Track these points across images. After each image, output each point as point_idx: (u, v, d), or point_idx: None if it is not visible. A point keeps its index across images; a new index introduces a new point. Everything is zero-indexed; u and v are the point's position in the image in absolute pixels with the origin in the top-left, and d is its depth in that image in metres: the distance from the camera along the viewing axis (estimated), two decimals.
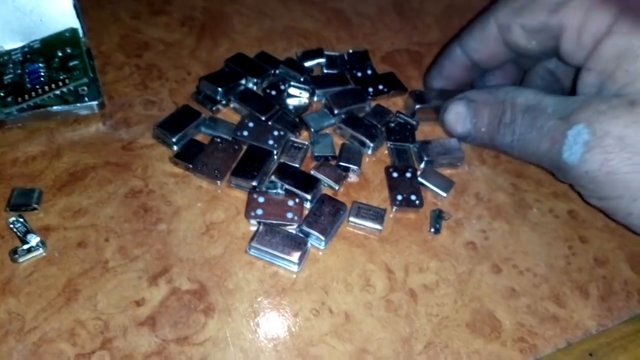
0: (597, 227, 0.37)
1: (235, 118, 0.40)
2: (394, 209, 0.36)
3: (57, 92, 0.37)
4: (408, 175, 0.37)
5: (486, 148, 0.40)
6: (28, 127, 0.37)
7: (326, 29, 0.50)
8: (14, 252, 0.31)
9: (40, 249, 0.31)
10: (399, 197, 0.36)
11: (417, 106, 0.41)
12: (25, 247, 0.31)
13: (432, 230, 0.35)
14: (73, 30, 0.40)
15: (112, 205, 0.34)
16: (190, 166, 0.36)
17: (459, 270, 0.34)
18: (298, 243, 0.33)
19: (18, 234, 0.31)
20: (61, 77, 0.37)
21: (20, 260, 0.31)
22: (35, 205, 0.33)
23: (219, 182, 0.36)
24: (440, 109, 0.40)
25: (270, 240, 0.33)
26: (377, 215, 0.35)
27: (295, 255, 0.32)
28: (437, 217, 0.36)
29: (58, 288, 0.30)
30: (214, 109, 0.40)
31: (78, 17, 0.41)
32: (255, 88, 0.42)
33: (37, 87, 0.37)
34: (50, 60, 0.38)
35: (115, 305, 0.30)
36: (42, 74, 0.38)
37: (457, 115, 0.38)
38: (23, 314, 0.29)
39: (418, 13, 0.53)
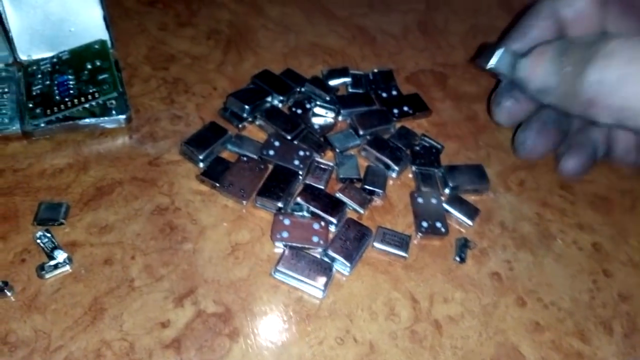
0: (621, 260, 0.37)
1: (260, 135, 0.40)
2: (419, 236, 0.36)
3: (86, 105, 0.37)
4: (433, 201, 0.37)
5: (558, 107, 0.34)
6: (55, 139, 0.37)
7: (351, 47, 0.49)
8: (41, 268, 0.30)
9: (67, 265, 0.31)
10: (425, 224, 0.36)
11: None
12: (52, 263, 0.31)
13: (457, 259, 0.35)
14: (102, 42, 0.40)
15: (138, 222, 0.34)
16: (217, 185, 0.36)
17: (484, 302, 0.33)
18: (324, 268, 0.33)
19: (45, 249, 0.31)
20: (90, 91, 0.37)
21: (47, 276, 0.31)
22: (63, 220, 0.33)
23: (244, 201, 0.36)
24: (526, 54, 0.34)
25: (295, 264, 0.33)
26: (402, 241, 0.35)
27: (321, 281, 0.32)
28: (463, 245, 0.36)
29: (84, 306, 0.30)
30: (240, 126, 0.40)
31: (107, 28, 0.41)
32: (281, 106, 0.42)
33: (67, 99, 0.37)
34: (80, 73, 0.38)
35: (141, 326, 0.30)
36: (72, 86, 0.38)
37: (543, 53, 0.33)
38: (49, 332, 0.29)
39: (442, 32, 0.53)
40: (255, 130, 0.41)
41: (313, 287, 0.32)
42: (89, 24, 0.41)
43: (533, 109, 0.38)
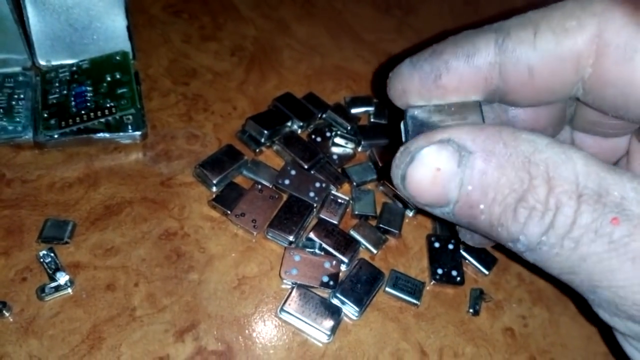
0: None
1: (277, 161, 0.39)
2: (432, 283, 0.35)
3: (102, 120, 0.36)
4: (450, 247, 0.36)
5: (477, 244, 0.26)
6: (67, 151, 0.36)
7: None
8: (42, 290, 0.30)
9: (69, 288, 0.30)
10: (440, 271, 0.35)
11: None
12: (53, 285, 0.30)
13: (471, 310, 0.34)
14: (124, 54, 0.39)
15: (145, 246, 0.33)
16: (229, 213, 0.35)
17: (495, 359, 0.32)
18: (332, 312, 0.32)
19: (47, 270, 0.30)
20: (108, 105, 0.36)
21: (47, 299, 0.30)
22: (68, 240, 0.32)
23: (255, 232, 0.35)
24: (397, 155, 0.21)
25: (303, 305, 0.31)
26: (415, 288, 0.34)
27: (328, 325, 0.31)
28: (478, 297, 0.34)
29: (82, 333, 0.29)
30: (257, 150, 0.39)
31: (130, 39, 0.40)
32: (300, 131, 0.41)
33: (83, 112, 0.36)
34: (98, 84, 0.37)
35: None
36: (89, 98, 0.37)
37: (434, 171, 0.20)
38: (44, 359, 0.28)
39: None
40: (272, 155, 0.40)
41: (319, 331, 0.31)
42: (112, 32, 0.40)
43: None
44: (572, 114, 0.25)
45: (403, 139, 0.23)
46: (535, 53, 0.21)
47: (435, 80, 0.22)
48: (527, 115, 0.24)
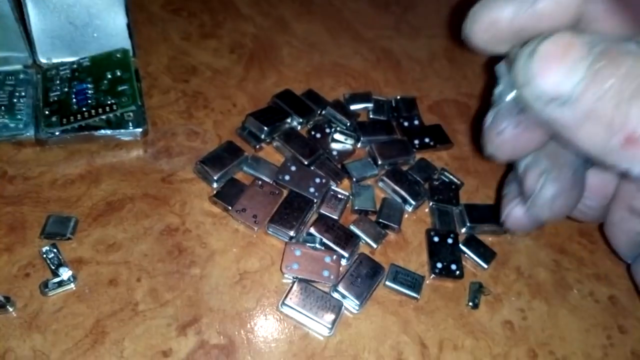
0: (637, 316, 0.36)
1: (277, 157, 0.39)
2: (432, 276, 0.35)
3: (103, 117, 0.36)
4: (449, 241, 0.36)
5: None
6: (68, 148, 0.37)
7: (375, 70, 0.48)
8: (45, 285, 0.30)
9: (72, 283, 0.30)
10: (439, 265, 0.35)
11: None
12: (56, 280, 0.30)
13: (470, 304, 0.34)
14: (124, 52, 0.40)
15: (147, 241, 0.33)
16: (230, 208, 0.35)
17: (495, 352, 0.32)
18: (332, 306, 0.32)
19: (50, 265, 0.31)
20: (109, 102, 0.36)
21: (50, 294, 0.30)
22: (70, 236, 0.32)
23: (256, 227, 0.35)
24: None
25: (304, 299, 0.32)
26: (415, 282, 0.34)
27: (329, 319, 0.31)
28: (477, 291, 0.35)
29: (86, 328, 0.29)
30: (257, 146, 0.39)
31: (130, 36, 0.41)
32: (299, 128, 0.41)
33: (84, 109, 0.36)
34: (99, 82, 0.38)
35: (142, 354, 0.29)
36: (90, 95, 0.37)
37: (567, 46, 0.19)
38: (48, 354, 0.28)
39: (469, 61, 0.52)
40: (272, 152, 0.40)
41: (320, 325, 0.31)
42: (112, 30, 0.40)
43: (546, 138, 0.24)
44: None
45: (501, 79, 0.23)
46: None
47: (532, 5, 0.22)
48: None
